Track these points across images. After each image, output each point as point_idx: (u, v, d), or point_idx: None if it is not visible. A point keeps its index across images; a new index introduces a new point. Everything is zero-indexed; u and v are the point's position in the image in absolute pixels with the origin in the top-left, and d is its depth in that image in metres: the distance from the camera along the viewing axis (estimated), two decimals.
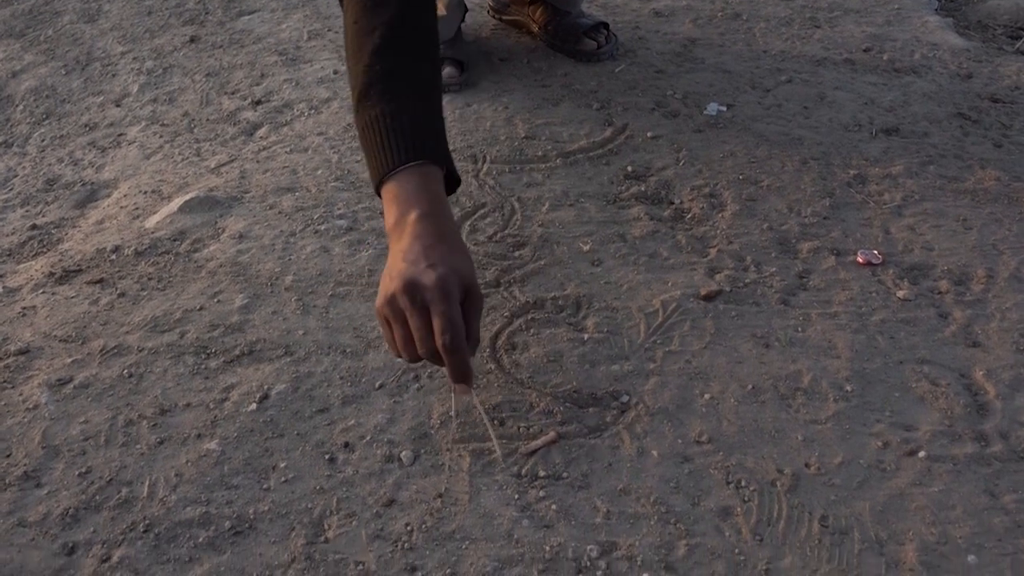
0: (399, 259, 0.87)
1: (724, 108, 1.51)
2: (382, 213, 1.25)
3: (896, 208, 1.26)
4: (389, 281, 0.86)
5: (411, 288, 0.84)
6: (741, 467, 0.89)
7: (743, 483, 0.88)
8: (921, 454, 0.90)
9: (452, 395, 0.97)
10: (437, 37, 1.02)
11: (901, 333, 1.05)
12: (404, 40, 0.97)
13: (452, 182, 0.98)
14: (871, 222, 1.24)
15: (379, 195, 0.93)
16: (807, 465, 0.89)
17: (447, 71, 1.56)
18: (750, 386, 0.98)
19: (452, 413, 0.95)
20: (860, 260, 1.16)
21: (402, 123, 0.92)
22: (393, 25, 0.96)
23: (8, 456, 0.92)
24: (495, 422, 0.94)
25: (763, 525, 0.84)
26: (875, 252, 1.17)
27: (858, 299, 1.10)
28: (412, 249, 0.86)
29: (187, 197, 1.31)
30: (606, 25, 1.69)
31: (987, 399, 0.96)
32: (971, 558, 0.80)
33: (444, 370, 0.88)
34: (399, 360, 0.98)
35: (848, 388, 0.98)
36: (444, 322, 0.83)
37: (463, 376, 0.86)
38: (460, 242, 0.91)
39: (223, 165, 1.43)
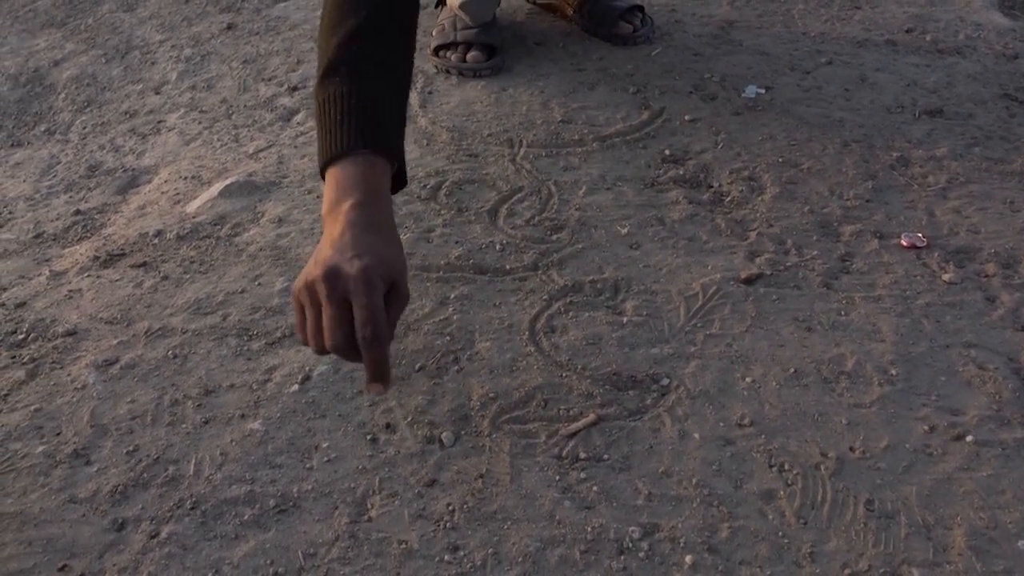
0: (327, 245, 0.82)
1: (763, 91, 1.49)
2: (427, 199, 1.26)
3: (941, 190, 1.24)
4: (312, 266, 0.81)
5: (332, 276, 0.79)
6: (784, 450, 0.89)
7: (786, 466, 0.87)
8: (969, 438, 0.89)
9: (367, 396, 0.94)
10: (415, 33, 1.00)
11: (947, 317, 1.03)
12: (386, 28, 0.94)
13: (400, 182, 0.95)
14: (915, 205, 1.22)
15: (322, 176, 0.89)
16: (852, 449, 0.88)
17: (474, 55, 1.55)
18: (792, 370, 0.97)
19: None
20: (904, 243, 1.14)
21: (364, 107, 0.88)
22: (380, 9, 0.94)
23: (58, 435, 0.94)
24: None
25: (807, 508, 0.83)
26: (919, 235, 1.15)
27: (902, 282, 1.08)
28: (342, 237, 0.82)
29: (227, 182, 1.33)
30: (641, 8, 1.67)
31: None
32: (1021, 543, 0.79)
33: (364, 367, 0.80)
34: (306, 349, 0.93)
35: (893, 372, 0.96)
36: (366, 314, 0.77)
37: (381, 375, 0.78)
38: (394, 235, 0.87)
39: (261, 151, 1.44)
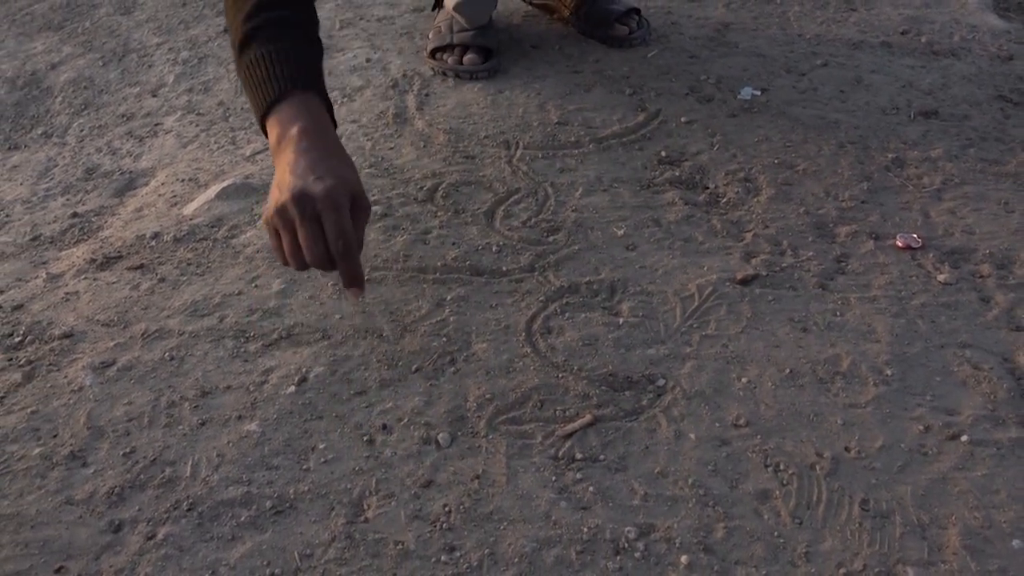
0: (286, 172, 0.89)
1: (758, 92, 1.49)
2: (423, 201, 1.26)
3: (936, 191, 1.25)
4: (279, 193, 0.89)
5: (301, 198, 0.87)
6: (780, 450, 0.89)
7: (782, 466, 0.87)
8: (964, 438, 0.89)
9: (343, 298, 1.06)
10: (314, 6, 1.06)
11: (942, 317, 1.04)
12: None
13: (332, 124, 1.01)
14: (910, 206, 1.22)
15: (264, 130, 0.96)
16: (847, 449, 0.89)
17: (470, 57, 1.56)
18: (788, 370, 0.98)
19: (346, 310, 1.03)
20: (899, 244, 1.14)
21: (285, 59, 0.95)
22: None
23: (55, 436, 0.94)
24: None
25: (802, 508, 0.83)
26: (914, 236, 1.15)
27: (897, 283, 1.09)
28: (299, 163, 0.89)
29: (224, 184, 1.33)
30: (637, 11, 1.68)
31: None
32: (1016, 543, 0.79)
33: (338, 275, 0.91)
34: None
35: (888, 372, 0.97)
36: (337, 230, 0.87)
37: (355, 280, 0.89)
38: (345, 155, 0.94)
39: (258, 153, 1.45)
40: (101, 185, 1.45)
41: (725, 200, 1.25)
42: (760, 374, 0.97)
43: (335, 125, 1.01)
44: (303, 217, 0.87)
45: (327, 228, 0.87)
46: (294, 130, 0.92)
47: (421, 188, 1.29)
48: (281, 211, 0.88)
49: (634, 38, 1.64)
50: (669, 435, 0.91)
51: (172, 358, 1.03)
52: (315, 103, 0.96)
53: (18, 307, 1.13)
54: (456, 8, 1.56)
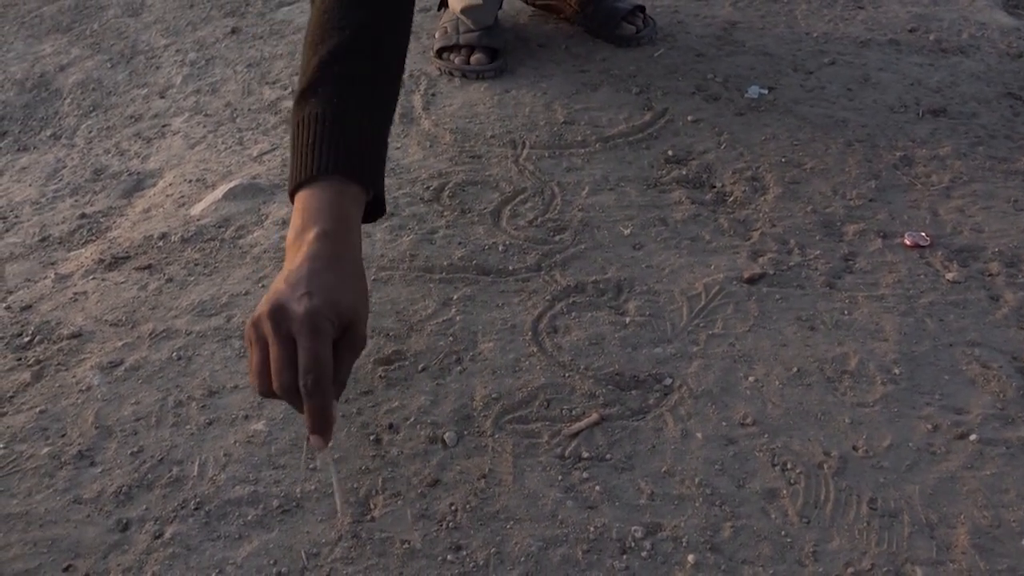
0: (281, 279, 0.77)
1: (766, 91, 1.49)
2: (429, 200, 1.26)
3: (944, 190, 1.24)
4: (263, 302, 0.76)
5: (277, 314, 0.73)
6: (787, 449, 0.88)
7: (789, 465, 0.87)
8: (972, 437, 0.88)
9: (306, 445, 0.87)
10: (405, 52, 0.95)
11: (951, 316, 1.03)
12: (371, 48, 0.88)
13: (378, 210, 0.90)
14: (918, 204, 1.21)
15: (292, 201, 0.84)
16: (855, 448, 0.88)
17: (477, 57, 1.56)
18: (795, 369, 0.97)
19: (303, 458, 0.89)
20: (907, 242, 1.14)
21: (339, 131, 0.83)
22: (365, 27, 0.88)
23: (63, 436, 0.94)
24: (341, 489, 0.85)
25: (810, 507, 0.83)
26: (923, 234, 1.15)
27: (906, 282, 1.08)
28: (298, 271, 0.76)
29: (231, 185, 1.33)
30: (642, 8, 1.68)
31: None
32: None
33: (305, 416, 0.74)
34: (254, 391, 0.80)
35: (896, 371, 0.96)
36: (309, 360, 0.71)
37: (321, 426, 0.72)
38: (358, 272, 0.81)
39: (265, 153, 1.45)
40: (109, 186, 1.45)
41: (732, 199, 1.24)
42: (767, 373, 0.97)
43: (384, 211, 0.90)
44: (276, 335, 0.73)
45: (300, 355, 0.72)
46: (312, 232, 0.79)
47: (427, 188, 1.29)
48: (256, 323, 0.74)
49: (641, 37, 1.64)
50: (676, 434, 0.91)
51: (180, 358, 1.03)
52: (351, 195, 0.82)
53: (27, 307, 1.14)
54: (462, 11, 1.56)
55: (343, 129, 0.83)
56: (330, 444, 0.74)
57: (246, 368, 1.01)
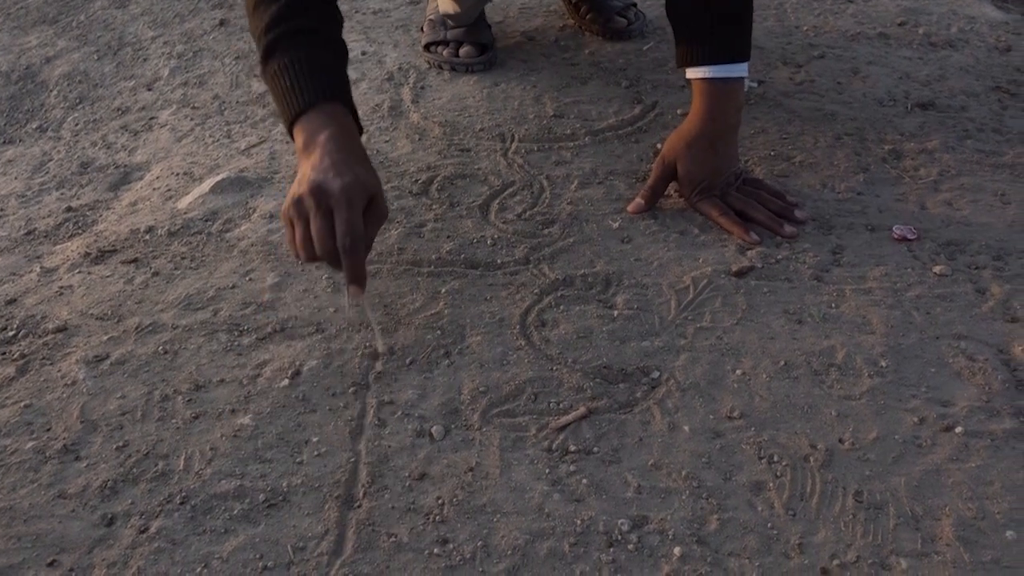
0: (308, 168, 0.93)
1: (755, 84, 1.49)
2: (418, 194, 1.26)
3: (932, 183, 1.24)
4: (297, 186, 0.93)
5: (317, 192, 0.90)
6: (773, 442, 0.89)
7: (775, 458, 0.87)
8: (958, 430, 0.89)
9: (345, 293, 1.04)
10: (337, 5, 1.08)
11: (937, 309, 1.03)
12: (303, 6, 1.02)
13: (358, 128, 1.04)
14: (906, 197, 1.22)
15: (292, 136, 1.00)
16: (841, 440, 0.88)
17: (466, 50, 1.55)
18: (782, 362, 0.97)
19: (345, 306, 1.05)
20: (895, 236, 1.14)
21: (310, 69, 0.98)
22: None
23: (48, 430, 0.94)
24: (380, 328, 1.02)
25: (796, 500, 0.83)
26: (911, 227, 1.15)
27: (893, 275, 1.08)
28: (322, 161, 0.93)
29: (218, 178, 1.33)
30: (634, 3, 1.67)
31: None
32: (1010, 534, 0.79)
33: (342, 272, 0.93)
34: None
35: (883, 364, 0.96)
36: (346, 226, 0.90)
37: (357, 278, 0.91)
38: (369, 162, 0.98)
39: (253, 146, 1.44)
40: (96, 179, 1.44)
41: None
42: (755, 366, 0.97)
43: (361, 130, 1.04)
44: (317, 209, 0.90)
45: (336, 223, 0.90)
46: (322, 136, 0.95)
47: (416, 181, 1.29)
48: (297, 202, 0.92)
49: (631, 30, 1.64)
50: (663, 427, 0.91)
51: (166, 352, 1.03)
52: (341, 111, 0.99)
53: (12, 301, 1.13)
54: (444, 14, 1.56)
55: (312, 66, 0.99)
56: (364, 293, 0.92)
57: (233, 363, 1.00)
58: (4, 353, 1.05)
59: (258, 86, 1.63)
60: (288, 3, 1.01)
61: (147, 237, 1.23)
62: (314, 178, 0.91)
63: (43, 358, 1.03)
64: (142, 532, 0.83)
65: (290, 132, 1.00)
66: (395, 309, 1.07)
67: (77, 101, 1.69)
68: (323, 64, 1.00)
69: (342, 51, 1.06)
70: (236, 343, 1.03)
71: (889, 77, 1.50)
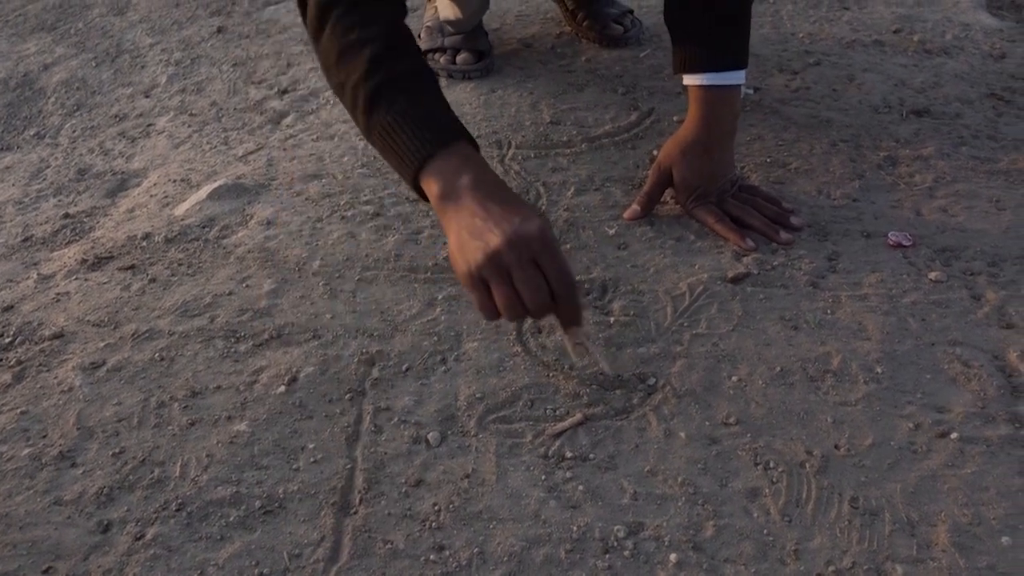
0: (475, 221, 0.83)
1: (751, 91, 1.49)
2: (415, 200, 1.26)
3: (927, 190, 1.25)
4: (475, 240, 0.82)
5: (518, 242, 0.80)
6: (769, 449, 0.89)
7: (771, 464, 0.87)
8: (953, 436, 0.89)
9: (565, 340, 0.95)
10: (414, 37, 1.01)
11: (933, 315, 1.04)
12: (396, 44, 0.94)
13: None
14: (902, 204, 1.22)
15: (417, 190, 0.91)
16: (837, 447, 0.89)
17: (463, 56, 1.56)
18: (778, 368, 0.97)
19: (569, 350, 0.98)
20: (891, 242, 1.14)
21: (420, 116, 0.90)
22: (386, 35, 0.94)
23: (44, 437, 0.94)
24: (603, 351, 0.99)
25: (792, 506, 0.83)
26: (906, 234, 1.15)
27: (889, 281, 1.09)
28: (489, 209, 0.83)
29: (215, 185, 1.33)
30: (631, 11, 1.68)
31: (1021, 380, 0.95)
32: (1005, 539, 0.79)
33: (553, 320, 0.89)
34: (495, 324, 0.99)
35: (879, 370, 0.97)
36: (560, 272, 0.82)
37: (579, 318, 0.87)
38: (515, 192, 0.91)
39: (250, 153, 1.44)
40: (93, 186, 1.45)
41: None
42: (750, 372, 0.97)
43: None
44: (520, 262, 0.81)
45: (549, 270, 0.82)
46: (464, 179, 0.86)
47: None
48: (494, 258, 0.81)
49: (628, 37, 1.64)
50: (659, 434, 0.91)
51: (162, 358, 1.03)
52: (466, 148, 0.90)
53: (8, 308, 1.13)
54: (444, 21, 1.56)
55: (421, 113, 0.90)
56: (582, 327, 0.88)
57: (230, 369, 1.01)
58: (0, 360, 1.05)
59: (255, 93, 1.64)
60: (385, 46, 0.92)
61: (144, 244, 1.23)
62: (506, 229, 0.81)
63: (39, 365, 1.03)
64: (138, 539, 0.83)
65: (414, 184, 0.91)
66: (391, 316, 1.07)
67: (75, 108, 1.70)
68: (429, 107, 0.92)
69: (436, 85, 0.97)
70: (233, 350, 1.03)
71: (884, 84, 1.51)
